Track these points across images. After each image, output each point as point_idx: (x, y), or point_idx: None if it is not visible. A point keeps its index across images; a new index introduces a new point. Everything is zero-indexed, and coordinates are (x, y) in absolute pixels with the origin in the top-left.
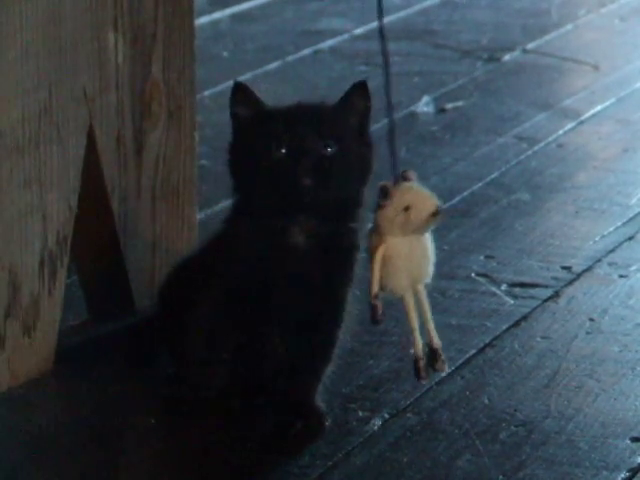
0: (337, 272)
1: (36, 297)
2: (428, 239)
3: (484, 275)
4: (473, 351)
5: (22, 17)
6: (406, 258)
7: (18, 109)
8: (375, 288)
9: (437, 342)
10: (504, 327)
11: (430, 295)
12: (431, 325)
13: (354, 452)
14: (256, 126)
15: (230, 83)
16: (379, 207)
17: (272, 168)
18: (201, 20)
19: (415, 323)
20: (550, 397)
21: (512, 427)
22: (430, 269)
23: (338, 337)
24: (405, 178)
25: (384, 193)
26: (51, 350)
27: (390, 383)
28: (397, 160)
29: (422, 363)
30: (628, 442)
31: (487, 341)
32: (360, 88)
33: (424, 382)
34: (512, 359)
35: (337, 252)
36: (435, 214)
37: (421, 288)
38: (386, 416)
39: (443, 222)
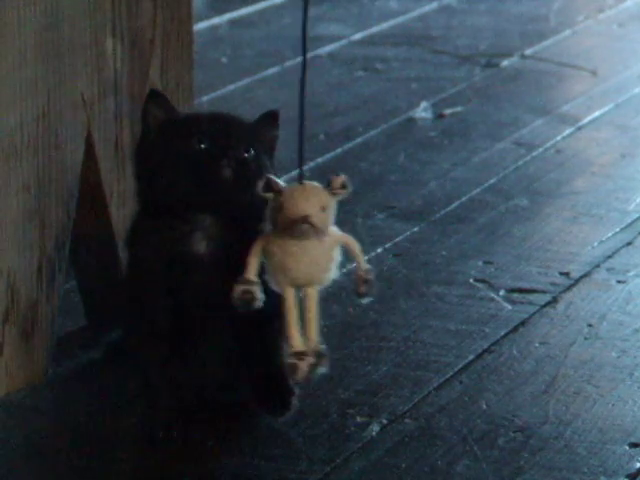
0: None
1: (34, 302)
2: (325, 244)
3: (482, 281)
4: (471, 357)
5: (20, 22)
6: (281, 259)
7: (16, 114)
8: (248, 275)
9: (318, 346)
10: (502, 333)
11: (429, 300)
12: (312, 329)
13: (352, 457)
14: (177, 125)
15: (230, 88)
16: (267, 198)
17: (194, 161)
18: (199, 25)
19: (292, 321)
20: (548, 403)
21: (510, 433)
22: (322, 276)
23: (275, 327)
24: (329, 183)
25: (267, 185)
26: (49, 355)
27: (388, 388)
28: (303, 153)
29: (297, 361)
30: (626, 448)
31: (485, 347)
32: (271, 117)
33: (299, 381)
34: (510, 365)
35: (240, 261)
36: (296, 222)
37: (311, 292)
38: (384, 421)
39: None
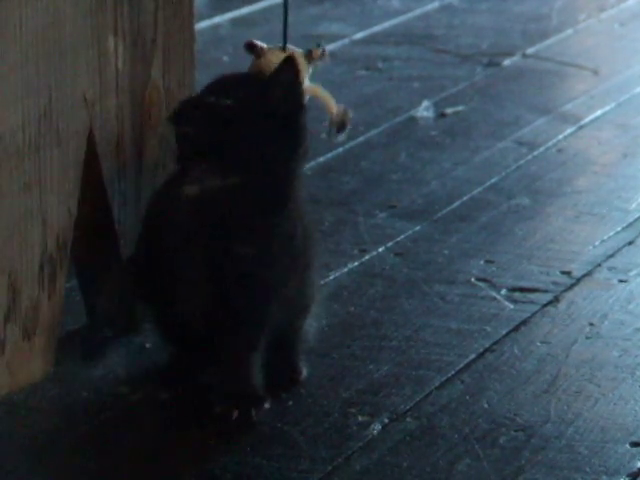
0: (235, 228)
1: (36, 301)
2: None
3: (484, 280)
4: (473, 356)
5: (22, 21)
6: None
7: (18, 113)
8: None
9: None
10: (504, 332)
11: (430, 299)
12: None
13: (354, 457)
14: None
15: None
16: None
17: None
18: (201, 24)
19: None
20: (550, 402)
21: (512, 432)
22: None
23: (259, 303)
24: (310, 52)
25: (250, 47)
26: (51, 354)
27: (390, 388)
28: (287, 13)
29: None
30: (628, 447)
31: (487, 346)
32: (286, 64)
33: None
34: (512, 364)
35: (233, 207)
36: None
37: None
38: (386, 421)
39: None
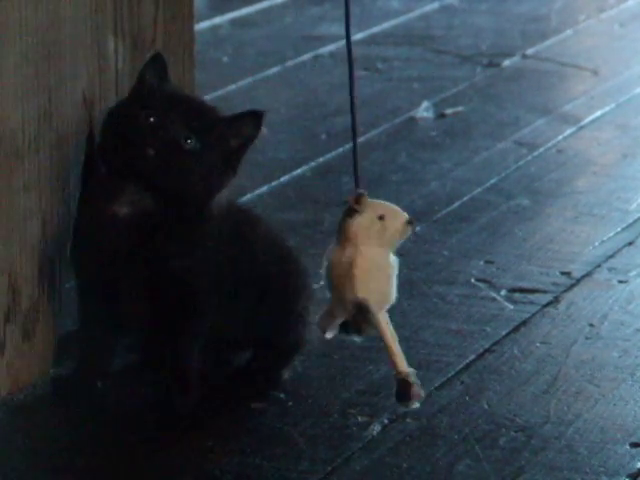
0: (166, 248)
1: (36, 302)
2: (395, 262)
3: (484, 280)
4: (472, 356)
5: (22, 22)
6: (383, 269)
7: (18, 113)
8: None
9: (407, 371)
10: (504, 332)
11: (430, 300)
12: (398, 354)
13: (353, 457)
14: (142, 92)
15: (231, 88)
16: (349, 216)
17: (129, 130)
18: (201, 25)
19: (393, 341)
20: (549, 402)
21: (511, 432)
22: (394, 293)
23: (192, 327)
24: (357, 201)
25: (358, 201)
26: (50, 355)
27: (389, 388)
28: (358, 176)
29: (411, 380)
30: (627, 447)
31: (487, 346)
32: (257, 117)
33: (416, 403)
34: (512, 364)
35: (166, 228)
36: (409, 223)
37: (384, 312)
38: (385, 421)
39: (411, 234)
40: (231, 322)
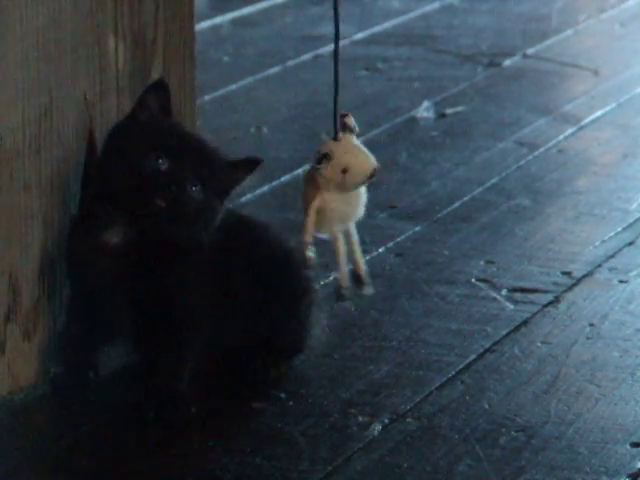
0: (160, 270)
1: (36, 302)
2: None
3: (484, 280)
4: (473, 356)
5: (22, 21)
6: (340, 210)
7: (18, 113)
8: (307, 237)
9: (363, 267)
10: (504, 332)
11: (431, 300)
12: (359, 255)
13: (354, 457)
14: (148, 126)
15: (232, 87)
16: (317, 170)
17: (140, 175)
18: (202, 25)
19: (343, 256)
20: (550, 402)
21: (512, 432)
22: (361, 210)
23: (184, 341)
24: (344, 125)
25: (323, 158)
26: (51, 355)
27: (390, 388)
28: (337, 112)
29: (344, 290)
30: (628, 447)
31: (487, 346)
32: (254, 164)
33: (342, 303)
34: (512, 364)
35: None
36: (371, 176)
37: (351, 225)
38: (386, 421)
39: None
40: (231, 325)
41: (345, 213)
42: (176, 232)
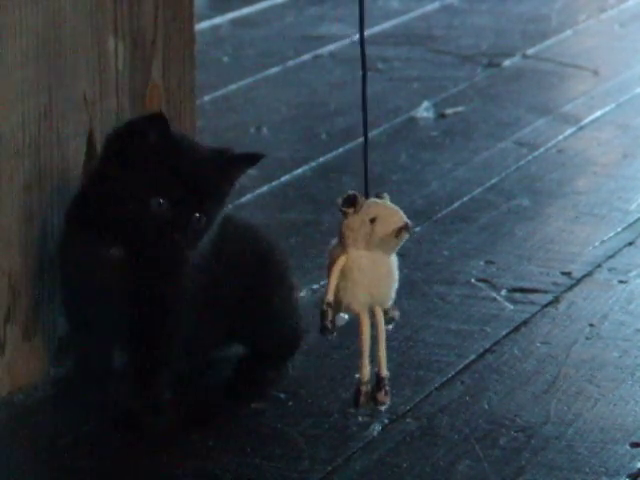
0: (157, 283)
1: (36, 302)
2: (394, 261)
3: (484, 280)
4: (473, 356)
5: (22, 21)
6: (367, 273)
7: (18, 113)
8: (329, 297)
9: (385, 372)
10: (504, 332)
11: (430, 300)
12: (383, 352)
13: (354, 457)
14: (148, 166)
15: (231, 88)
16: (344, 216)
17: (150, 218)
18: (201, 25)
19: (366, 346)
20: (550, 402)
21: (512, 432)
22: (392, 292)
23: (167, 347)
24: (378, 197)
25: (351, 202)
26: (50, 355)
27: (390, 388)
28: (368, 175)
29: (365, 389)
30: (628, 447)
31: (487, 346)
32: (252, 160)
33: (360, 409)
34: (512, 364)
35: (157, 266)
36: (401, 230)
37: (379, 311)
38: (386, 421)
39: (407, 239)
40: (219, 328)
41: (373, 280)
42: (176, 257)
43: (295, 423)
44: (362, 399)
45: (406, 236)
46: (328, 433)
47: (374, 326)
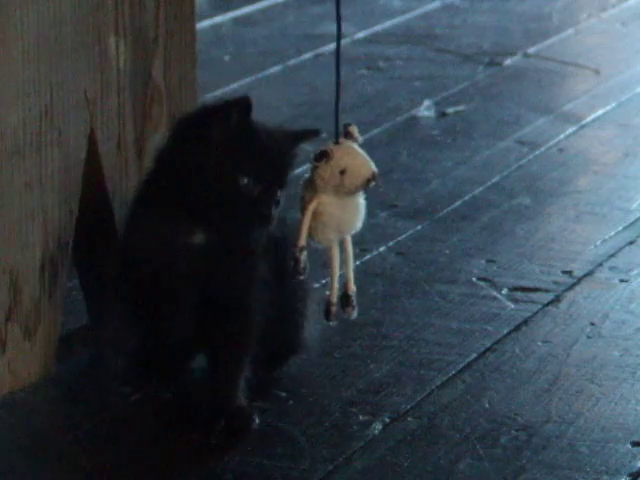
0: (236, 271)
1: (37, 301)
2: (361, 200)
3: (485, 279)
4: (474, 355)
5: (23, 20)
6: (336, 216)
7: (19, 112)
8: (301, 242)
9: (352, 288)
10: (505, 331)
11: (431, 299)
12: (351, 273)
13: (355, 456)
14: (232, 148)
15: (233, 87)
16: (315, 166)
17: (238, 197)
18: (202, 24)
19: (336, 272)
20: (551, 401)
21: (513, 431)
22: (359, 223)
23: (252, 329)
24: (348, 133)
25: (322, 155)
26: (52, 354)
27: (391, 387)
28: (338, 115)
29: (334, 308)
30: (629, 446)
31: (488, 345)
32: (311, 135)
33: (332, 324)
34: (513, 363)
35: (236, 252)
36: (369, 180)
37: (348, 238)
38: (387, 420)
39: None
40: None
41: (342, 221)
42: (268, 226)
43: (296, 422)
44: (332, 316)
45: (373, 184)
46: (329, 432)
47: (343, 250)
